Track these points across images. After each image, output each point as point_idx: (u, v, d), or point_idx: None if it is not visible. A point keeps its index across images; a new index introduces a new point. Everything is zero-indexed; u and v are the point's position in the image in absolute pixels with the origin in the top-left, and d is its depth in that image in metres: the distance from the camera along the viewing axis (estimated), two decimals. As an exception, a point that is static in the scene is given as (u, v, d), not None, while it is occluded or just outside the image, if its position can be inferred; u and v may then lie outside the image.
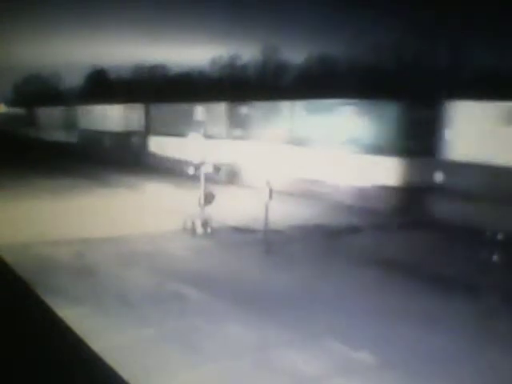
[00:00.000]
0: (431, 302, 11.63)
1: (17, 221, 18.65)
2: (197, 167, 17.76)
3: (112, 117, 41.04)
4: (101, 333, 9.36)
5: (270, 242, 15.49)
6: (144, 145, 36.46)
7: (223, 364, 8.70)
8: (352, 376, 8.41)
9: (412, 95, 27.72)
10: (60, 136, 50.48)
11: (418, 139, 19.85)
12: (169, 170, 30.09)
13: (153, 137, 35.79)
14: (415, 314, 10.84)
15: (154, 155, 34.87)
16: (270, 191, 15.80)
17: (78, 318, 9.69)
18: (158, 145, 34.80)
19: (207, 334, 9.78)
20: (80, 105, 49.82)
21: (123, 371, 6.67)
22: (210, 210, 17.67)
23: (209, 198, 17.76)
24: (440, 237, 17.28)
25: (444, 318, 10.68)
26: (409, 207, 19.87)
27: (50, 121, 53.79)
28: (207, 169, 17.61)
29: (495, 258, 13.47)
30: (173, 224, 18.06)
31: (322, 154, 23.70)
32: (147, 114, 36.93)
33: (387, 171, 20.67)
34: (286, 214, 19.70)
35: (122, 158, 37.26)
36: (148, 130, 36.44)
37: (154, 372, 8.35)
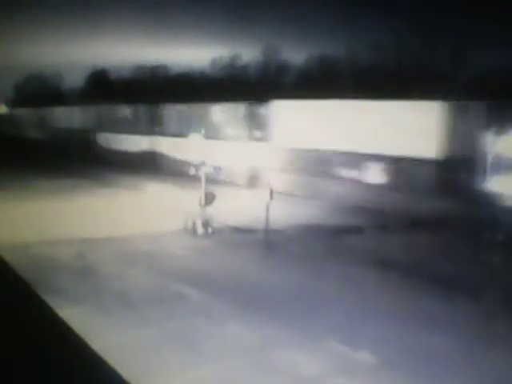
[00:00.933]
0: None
1: (17, 221, 18.65)
2: (197, 167, 17.81)
3: (75, 116, 47.54)
4: (101, 332, 9.37)
5: (270, 242, 15.52)
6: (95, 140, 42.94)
7: (223, 364, 8.71)
8: (352, 376, 8.43)
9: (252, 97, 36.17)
10: (37, 134, 54.23)
11: (258, 130, 27.81)
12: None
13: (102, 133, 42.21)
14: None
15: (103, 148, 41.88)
16: (271, 191, 15.82)
17: (79, 317, 9.71)
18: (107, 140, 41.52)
19: (207, 334, 9.79)
20: (80, 105, 50.40)
21: (123, 371, 6.69)
22: (211, 209, 17.70)
23: (209, 198, 17.80)
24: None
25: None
26: (251, 181, 27.05)
27: (30, 120, 56.60)
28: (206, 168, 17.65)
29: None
30: (174, 224, 18.08)
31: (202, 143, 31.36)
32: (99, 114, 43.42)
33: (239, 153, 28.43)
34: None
35: (80, 151, 43.15)
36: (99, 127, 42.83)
37: (154, 372, 8.36)
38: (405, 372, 8.46)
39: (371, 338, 9.62)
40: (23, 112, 62.08)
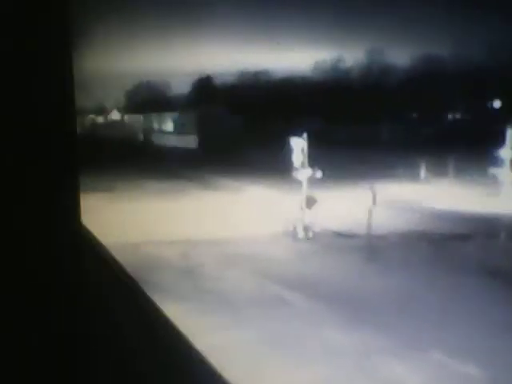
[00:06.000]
0: None
1: (127, 221, 19.45)
2: (299, 171, 17.80)
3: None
4: (204, 332, 9.57)
5: (372, 248, 15.20)
6: None
7: (321, 368, 8.63)
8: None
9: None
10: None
11: None
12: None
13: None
14: None
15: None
16: (374, 196, 15.50)
17: (182, 316, 9.99)
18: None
19: (306, 337, 9.75)
20: (187, 111, 52.41)
21: (225, 371, 6.81)
22: (312, 213, 17.59)
23: (310, 202, 17.69)
24: None
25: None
26: None
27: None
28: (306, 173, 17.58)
29: None
30: (274, 227, 18.11)
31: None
32: None
33: None
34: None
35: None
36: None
37: (254, 372, 8.43)
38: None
39: (479, 351, 9.15)
40: (133, 118, 65.46)
